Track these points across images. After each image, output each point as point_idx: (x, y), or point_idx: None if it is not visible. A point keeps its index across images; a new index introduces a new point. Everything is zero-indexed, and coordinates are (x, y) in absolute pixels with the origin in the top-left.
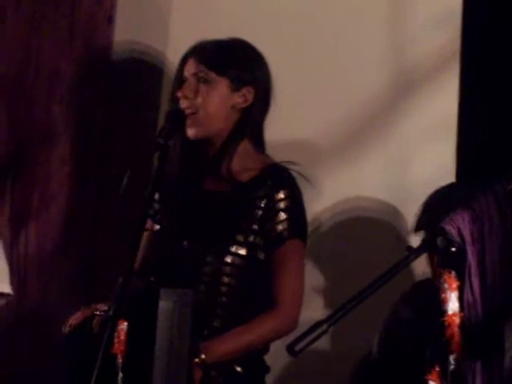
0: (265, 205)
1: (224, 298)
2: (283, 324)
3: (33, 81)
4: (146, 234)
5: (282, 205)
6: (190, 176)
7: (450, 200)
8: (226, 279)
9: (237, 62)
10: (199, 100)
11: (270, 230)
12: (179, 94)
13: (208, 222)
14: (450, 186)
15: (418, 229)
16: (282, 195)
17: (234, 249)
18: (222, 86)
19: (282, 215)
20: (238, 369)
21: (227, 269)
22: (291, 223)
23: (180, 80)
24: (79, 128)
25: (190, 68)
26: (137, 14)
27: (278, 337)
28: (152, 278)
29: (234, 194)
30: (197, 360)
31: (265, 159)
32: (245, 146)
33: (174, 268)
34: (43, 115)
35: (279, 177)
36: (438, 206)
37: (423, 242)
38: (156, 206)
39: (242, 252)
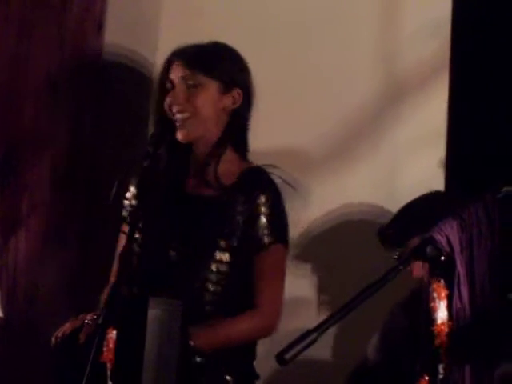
0: (245, 209)
1: (208, 307)
2: (262, 324)
3: (22, 87)
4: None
5: (262, 209)
6: (174, 180)
7: (422, 215)
8: (211, 287)
9: (224, 64)
10: (191, 104)
11: (251, 235)
12: (169, 100)
13: (191, 228)
14: (425, 199)
15: (385, 241)
16: (262, 199)
17: (217, 255)
18: (211, 88)
19: (263, 220)
20: (228, 377)
21: (213, 277)
22: (272, 228)
23: (165, 85)
24: (69, 134)
25: (178, 72)
26: (126, 20)
27: (257, 337)
28: (135, 290)
29: (216, 199)
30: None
31: (246, 162)
32: (229, 149)
33: (160, 279)
34: (33, 121)
35: (258, 181)
36: (410, 221)
37: (412, 251)
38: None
39: (226, 258)
